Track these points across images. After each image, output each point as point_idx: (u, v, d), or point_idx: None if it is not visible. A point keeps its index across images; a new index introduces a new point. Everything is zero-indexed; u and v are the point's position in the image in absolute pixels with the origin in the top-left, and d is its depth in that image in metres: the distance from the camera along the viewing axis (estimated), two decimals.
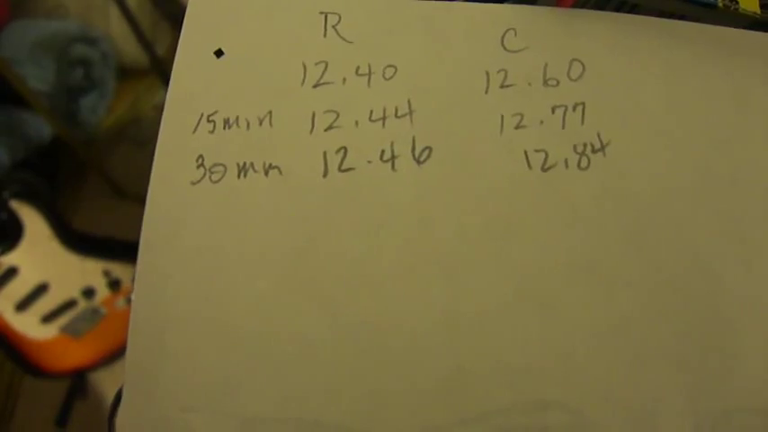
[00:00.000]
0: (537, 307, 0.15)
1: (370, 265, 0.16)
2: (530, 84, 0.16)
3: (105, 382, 0.66)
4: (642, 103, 0.16)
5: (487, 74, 0.16)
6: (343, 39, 0.16)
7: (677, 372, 0.15)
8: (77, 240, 0.62)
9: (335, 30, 0.16)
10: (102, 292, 0.65)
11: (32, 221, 0.57)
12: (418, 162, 0.16)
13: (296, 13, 0.17)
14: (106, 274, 0.65)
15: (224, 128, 0.17)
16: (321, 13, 0.17)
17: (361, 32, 0.16)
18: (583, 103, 0.15)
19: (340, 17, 0.17)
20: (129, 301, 0.64)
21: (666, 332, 0.16)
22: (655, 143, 0.16)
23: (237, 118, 0.17)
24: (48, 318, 0.61)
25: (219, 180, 0.17)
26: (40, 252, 0.59)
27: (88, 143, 0.74)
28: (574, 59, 0.16)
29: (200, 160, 0.17)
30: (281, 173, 0.16)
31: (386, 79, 0.16)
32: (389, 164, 0.16)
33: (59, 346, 0.63)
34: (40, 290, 0.60)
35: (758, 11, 0.16)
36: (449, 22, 0.16)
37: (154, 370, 0.18)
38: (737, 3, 0.16)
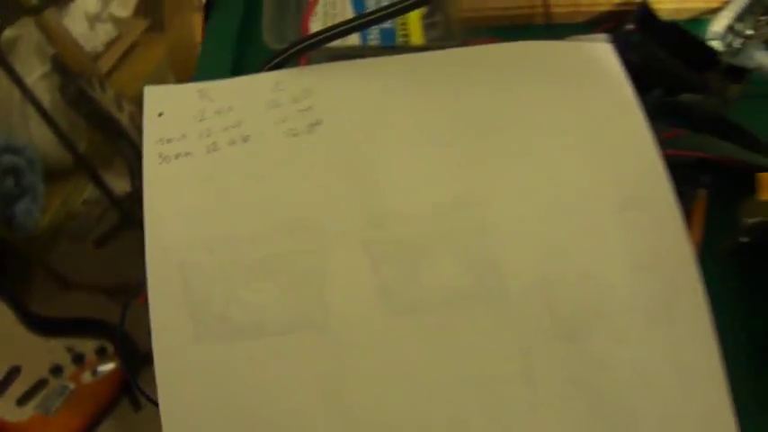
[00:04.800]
0: None
1: None
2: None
3: None
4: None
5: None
6: None
7: None
8: (39, 323, 0.74)
9: None
10: (69, 367, 0.76)
11: None
12: None
13: None
14: (69, 350, 0.77)
15: None
16: None
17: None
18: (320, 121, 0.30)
19: None
20: (94, 373, 0.76)
21: None
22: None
23: None
24: (22, 399, 0.72)
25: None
26: (7, 338, 0.70)
27: (29, 242, 0.86)
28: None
29: None
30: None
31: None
32: None
33: (36, 425, 0.73)
34: (13, 373, 0.71)
35: (423, 41, 0.33)
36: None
37: None
38: (409, 37, 0.33)
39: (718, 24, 0.37)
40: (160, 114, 0.30)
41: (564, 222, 0.28)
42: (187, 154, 0.29)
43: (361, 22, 0.29)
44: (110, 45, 1.02)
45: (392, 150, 0.28)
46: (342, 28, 0.28)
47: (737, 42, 0.38)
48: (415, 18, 0.33)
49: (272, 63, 0.30)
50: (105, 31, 0.98)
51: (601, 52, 0.31)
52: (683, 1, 0.38)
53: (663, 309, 0.28)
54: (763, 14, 0.38)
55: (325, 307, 0.26)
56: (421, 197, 0.27)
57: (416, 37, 0.33)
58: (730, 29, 0.38)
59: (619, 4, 0.36)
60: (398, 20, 0.33)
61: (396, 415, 0.25)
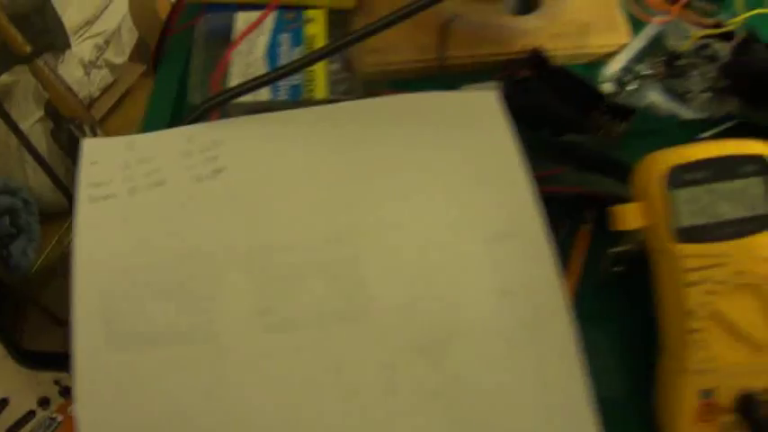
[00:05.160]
0: None
1: None
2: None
3: None
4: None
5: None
6: None
7: None
8: (28, 357, 0.78)
9: None
10: (56, 400, 0.80)
11: None
12: None
13: None
14: (57, 383, 0.80)
15: None
16: None
17: None
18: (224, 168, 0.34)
19: None
20: None
21: None
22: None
23: None
24: (10, 431, 0.75)
25: None
26: None
27: (24, 281, 0.91)
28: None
29: None
30: None
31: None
32: None
33: None
34: (2, 405, 0.74)
35: (328, 95, 0.37)
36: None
37: None
38: (314, 92, 0.37)
39: (612, 67, 0.41)
40: (93, 163, 0.34)
41: (433, 254, 0.31)
42: (112, 196, 0.33)
43: (258, 82, 0.33)
44: (105, 90, 1.08)
45: (283, 192, 0.32)
46: (242, 87, 0.33)
47: (634, 83, 0.41)
48: (321, 74, 0.37)
49: (189, 119, 0.34)
50: (101, 77, 1.05)
51: (484, 100, 0.35)
52: (582, 47, 0.41)
53: (527, 331, 0.31)
54: (660, 56, 0.42)
55: (212, 323, 0.30)
56: (303, 231, 0.31)
57: (321, 92, 0.37)
58: (628, 70, 0.42)
59: (515, 53, 0.40)
60: (305, 76, 0.37)
61: (270, 419, 0.28)
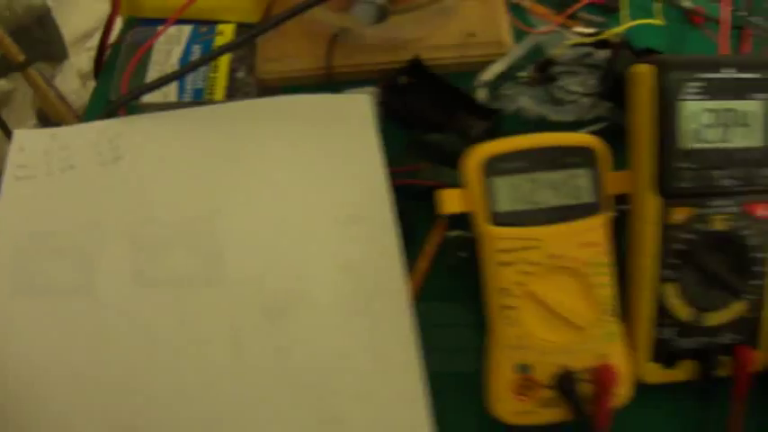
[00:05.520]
0: None
1: None
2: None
3: None
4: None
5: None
6: None
7: None
8: None
9: None
10: None
11: None
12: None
13: None
14: None
15: None
16: None
17: None
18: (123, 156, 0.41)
19: None
20: None
21: None
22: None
23: None
24: None
25: None
26: None
27: None
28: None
29: None
30: None
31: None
32: None
33: None
34: None
35: (223, 97, 0.43)
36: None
37: None
38: (213, 95, 0.43)
39: (487, 74, 0.46)
40: (21, 149, 0.41)
41: (286, 232, 0.37)
42: (33, 176, 0.40)
43: (158, 82, 0.39)
44: None
45: (166, 177, 0.38)
46: (146, 87, 0.39)
47: (509, 88, 0.46)
48: (221, 80, 0.43)
49: (102, 114, 0.41)
50: None
51: (357, 101, 0.41)
52: (465, 56, 0.46)
53: (364, 303, 0.36)
54: (535, 65, 0.46)
55: (95, 280, 0.36)
56: (177, 210, 0.37)
57: (220, 95, 0.43)
58: (506, 76, 0.46)
59: (398, 62, 0.45)
60: (208, 82, 0.43)
61: (139, 363, 0.34)
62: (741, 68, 0.34)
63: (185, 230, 0.36)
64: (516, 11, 0.49)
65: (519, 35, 0.48)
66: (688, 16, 0.47)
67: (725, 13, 0.44)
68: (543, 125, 0.44)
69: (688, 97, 0.34)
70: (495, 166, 0.35)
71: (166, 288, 0.35)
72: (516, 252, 0.35)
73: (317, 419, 0.34)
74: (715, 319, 0.37)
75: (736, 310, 0.37)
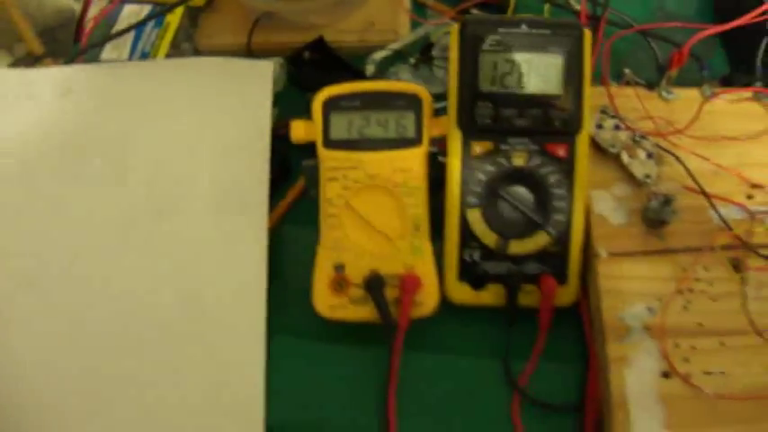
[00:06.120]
0: None
1: None
2: None
3: None
4: None
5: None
6: None
7: None
8: None
9: None
10: None
11: None
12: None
13: None
14: None
15: None
16: None
17: None
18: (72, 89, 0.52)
19: None
20: None
21: None
22: None
23: None
24: None
25: None
26: None
27: None
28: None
29: None
30: None
31: None
32: None
33: None
34: None
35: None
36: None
37: None
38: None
39: (377, 55, 0.54)
40: None
41: (179, 154, 0.47)
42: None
43: (112, 35, 0.51)
44: None
45: (97, 107, 0.49)
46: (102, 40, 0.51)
47: (395, 66, 0.54)
48: (164, 48, 0.55)
49: (66, 60, 0.53)
50: None
51: (258, 67, 0.50)
52: (365, 40, 0.55)
53: (230, 211, 0.45)
54: (420, 49, 0.54)
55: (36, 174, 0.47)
56: (100, 129, 0.48)
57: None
58: (395, 57, 0.55)
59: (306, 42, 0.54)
60: (153, 48, 0.55)
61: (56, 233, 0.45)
62: (531, 26, 0.40)
63: (107, 147, 0.47)
64: (418, 6, 0.57)
65: (417, 26, 0.56)
66: (577, 17, 0.54)
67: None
68: None
69: (487, 48, 0.41)
70: (334, 104, 0.44)
71: (88, 186, 0.46)
72: (342, 170, 0.43)
73: (181, 297, 0.43)
74: (519, 247, 0.42)
75: (539, 241, 0.42)
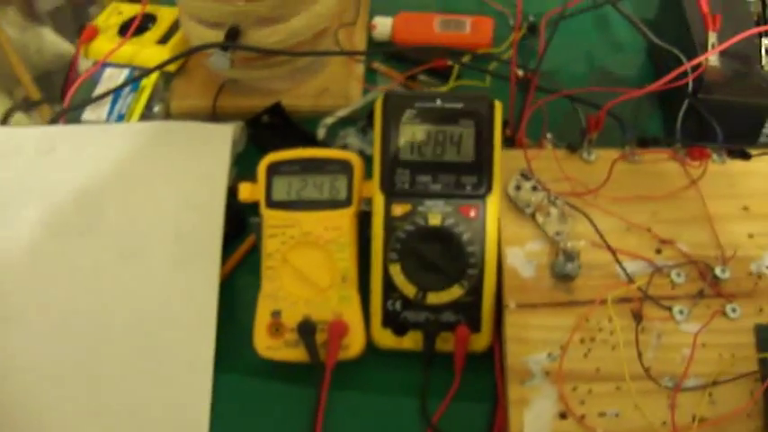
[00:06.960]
0: None
1: None
2: None
3: None
4: None
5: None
6: None
7: None
8: None
9: None
10: None
11: None
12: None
13: None
14: None
15: None
16: None
17: None
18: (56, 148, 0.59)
19: None
20: None
21: None
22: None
23: None
24: None
25: None
26: None
27: None
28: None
29: None
30: None
31: None
32: None
33: None
34: None
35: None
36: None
37: None
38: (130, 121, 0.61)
39: (328, 119, 0.60)
40: None
41: (144, 209, 0.53)
42: None
43: (89, 101, 0.57)
44: None
45: (76, 165, 0.56)
46: (79, 105, 0.58)
47: (342, 130, 0.60)
48: (138, 111, 0.61)
49: (49, 120, 0.60)
50: None
51: (219, 130, 0.56)
52: (319, 105, 0.62)
53: (185, 261, 0.51)
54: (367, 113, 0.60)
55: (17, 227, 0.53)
56: (77, 186, 0.54)
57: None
58: (347, 120, 0.61)
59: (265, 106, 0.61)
60: (128, 111, 0.61)
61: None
62: (445, 100, 0.46)
63: (86, 198, 0.54)
64: (370, 72, 0.64)
65: (367, 92, 0.63)
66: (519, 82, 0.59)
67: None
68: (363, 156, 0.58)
69: (405, 120, 0.47)
70: (276, 168, 0.50)
71: (63, 236, 0.53)
72: (281, 228, 0.48)
73: (139, 334, 0.49)
74: (436, 298, 0.47)
75: (454, 293, 0.47)
